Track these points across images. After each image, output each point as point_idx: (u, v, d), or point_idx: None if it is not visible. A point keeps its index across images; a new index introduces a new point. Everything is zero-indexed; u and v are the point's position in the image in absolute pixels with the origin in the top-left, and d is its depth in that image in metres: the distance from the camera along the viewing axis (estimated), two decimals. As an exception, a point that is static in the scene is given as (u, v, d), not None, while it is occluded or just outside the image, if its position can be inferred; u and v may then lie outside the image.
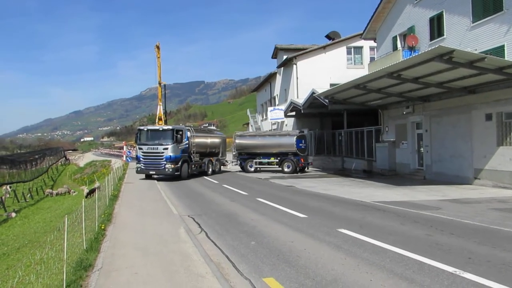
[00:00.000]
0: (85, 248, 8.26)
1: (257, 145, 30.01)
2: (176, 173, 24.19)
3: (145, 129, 25.89)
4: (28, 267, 8.64)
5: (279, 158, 28.90)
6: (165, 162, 23.91)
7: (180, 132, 24.67)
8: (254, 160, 30.09)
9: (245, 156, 30.63)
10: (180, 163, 24.60)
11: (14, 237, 14.01)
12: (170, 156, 23.89)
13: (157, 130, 25.31)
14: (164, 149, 23.95)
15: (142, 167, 24.82)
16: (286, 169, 28.44)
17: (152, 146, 24.34)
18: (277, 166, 29.05)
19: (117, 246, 8.55)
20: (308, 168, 30.05)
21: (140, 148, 24.88)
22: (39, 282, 6.90)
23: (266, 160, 29.70)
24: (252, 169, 30.08)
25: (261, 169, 30.27)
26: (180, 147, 24.59)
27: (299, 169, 28.45)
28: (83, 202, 8.99)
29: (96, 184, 28.27)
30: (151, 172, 24.72)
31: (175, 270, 6.70)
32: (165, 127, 25.45)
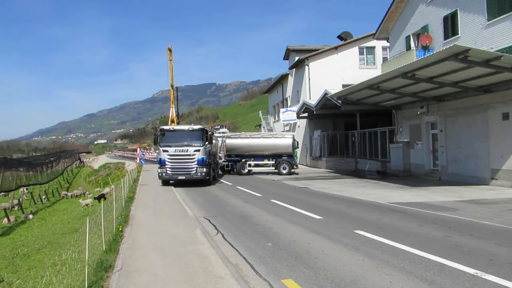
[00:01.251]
0: (104, 249, 8.36)
1: (251, 146, 29.37)
2: (207, 178, 22.40)
3: (171, 129, 23.46)
4: (49, 267, 8.81)
5: (274, 160, 28.74)
6: (196, 166, 21.55)
7: (210, 133, 23.25)
8: (248, 162, 29.30)
9: (235, 157, 29.49)
10: (209, 166, 23.10)
11: (33, 238, 14.24)
12: (203, 158, 21.66)
13: (185, 130, 22.80)
14: (196, 151, 21.62)
15: (168, 172, 22.01)
16: (283, 171, 28.42)
17: (181, 148, 21.79)
18: (273, 168, 28.86)
19: (135, 247, 8.64)
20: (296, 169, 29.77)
21: (165, 151, 22.05)
22: (60, 282, 7.02)
23: (263, 162, 29.35)
24: (246, 170, 29.34)
25: (254, 171, 29.93)
26: (207, 149, 22.79)
27: (292, 171, 28.57)
28: (102, 204, 9.12)
29: (106, 190, 28.62)
30: (180, 178, 21.94)
31: (194, 271, 6.75)
32: (195, 127, 22.81)
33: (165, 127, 23.62)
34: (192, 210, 13.69)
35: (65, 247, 10.75)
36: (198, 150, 21.65)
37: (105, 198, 21.37)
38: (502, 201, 13.58)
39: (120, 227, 10.69)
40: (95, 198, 23.07)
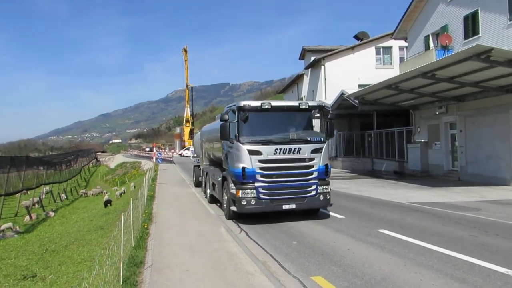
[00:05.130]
0: (133, 245, 8.55)
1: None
2: (330, 203, 11.95)
3: (265, 106, 11.15)
4: (79, 263, 9.05)
5: None
6: (316, 182, 11.23)
7: (330, 117, 11.98)
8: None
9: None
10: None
11: (58, 235, 14.58)
12: (326, 166, 11.40)
13: (291, 110, 11.60)
14: (314, 151, 11.20)
15: (261, 196, 10.89)
16: None
17: (287, 147, 11.01)
18: None
19: (162, 244, 8.82)
20: None
21: (252, 152, 10.87)
22: (94, 277, 7.21)
23: None
24: None
25: None
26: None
27: None
28: (130, 202, 9.31)
29: (122, 189, 28.99)
30: (286, 207, 11.05)
31: (224, 268, 6.89)
32: (310, 103, 11.63)
33: (251, 103, 11.36)
34: (214, 209, 13.85)
35: (92, 243, 11.01)
36: (319, 151, 11.23)
37: (111, 204, 21.55)
38: (525, 202, 13.46)
39: (146, 224, 10.90)
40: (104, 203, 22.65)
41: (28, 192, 30.79)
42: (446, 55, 16.80)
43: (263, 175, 10.79)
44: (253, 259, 7.44)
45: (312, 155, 11.12)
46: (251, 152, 10.73)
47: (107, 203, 21.76)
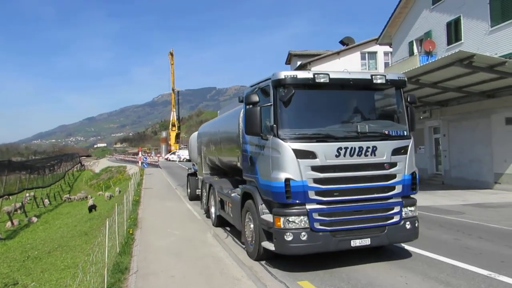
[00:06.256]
0: (118, 252, 8.45)
1: None
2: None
3: (319, 79, 6.93)
4: (62, 270, 8.90)
5: None
6: (400, 201, 7.22)
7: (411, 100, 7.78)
8: None
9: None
10: None
11: (41, 241, 14.33)
12: (413, 176, 7.38)
13: (361, 86, 7.37)
14: (397, 152, 7.18)
15: (319, 226, 6.71)
16: None
17: (357, 146, 6.91)
18: None
19: (148, 250, 8.73)
20: None
21: (303, 154, 6.67)
22: (78, 285, 7.09)
23: None
24: None
25: None
26: None
27: None
28: (116, 207, 9.21)
29: (115, 191, 28.67)
30: (355, 243, 6.85)
31: (210, 274, 6.84)
32: (390, 76, 7.50)
33: (297, 74, 7.03)
34: (200, 214, 13.75)
35: (76, 250, 10.84)
36: (403, 151, 7.28)
37: (95, 209, 21.22)
38: (507, 204, 13.70)
39: (131, 230, 10.78)
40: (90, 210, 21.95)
41: (10, 197, 30.20)
42: (430, 61, 17.05)
43: (319, 192, 6.67)
44: (240, 264, 7.40)
45: (394, 159, 7.06)
46: (300, 154, 6.59)
47: (92, 208, 21.41)
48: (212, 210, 11.81)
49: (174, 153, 65.96)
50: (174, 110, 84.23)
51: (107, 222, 6.74)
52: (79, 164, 76.83)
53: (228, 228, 11.03)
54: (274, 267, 7.31)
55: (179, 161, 55.59)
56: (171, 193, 21.02)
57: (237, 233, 9.74)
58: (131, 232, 10.56)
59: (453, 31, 20.90)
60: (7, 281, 9.04)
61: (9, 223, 21.14)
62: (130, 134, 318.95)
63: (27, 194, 32.60)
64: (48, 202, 32.58)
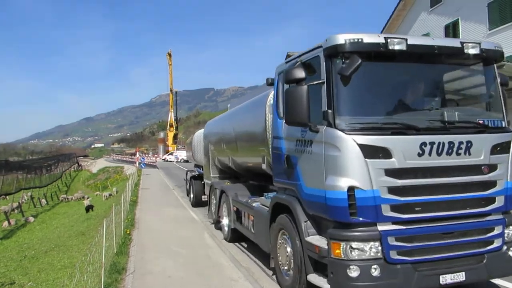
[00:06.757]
0: (115, 252, 8.44)
1: None
2: None
3: (394, 46, 4.65)
4: (59, 270, 8.89)
5: None
6: (502, 218, 5.10)
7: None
8: None
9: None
10: None
11: (38, 241, 14.31)
12: None
13: (450, 57, 5.08)
14: (496, 150, 5.01)
15: (396, 257, 4.58)
16: None
17: (446, 140, 4.76)
18: None
19: (145, 250, 8.72)
20: None
21: (372, 152, 4.56)
22: (75, 285, 7.08)
23: None
24: None
25: None
26: None
27: None
28: (113, 207, 9.20)
29: (113, 190, 28.63)
30: (446, 279, 4.67)
31: (207, 274, 6.85)
32: (486, 45, 5.20)
33: (363, 38, 4.63)
34: (197, 215, 13.74)
35: (73, 249, 10.83)
36: (504, 149, 5.08)
37: (92, 209, 21.22)
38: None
39: (128, 230, 10.77)
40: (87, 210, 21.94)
41: (7, 197, 30.17)
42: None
43: (396, 207, 4.66)
44: (237, 265, 7.41)
45: (493, 159, 5.03)
46: (370, 152, 4.60)
47: (89, 208, 21.41)
48: (225, 221, 9.72)
49: (171, 153, 65.95)
50: (172, 110, 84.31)
51: (104, 223, 6.74)
52: (77, 164, 76.82)
53: (244, 245, 9.13)
54: (271, 268, 7.32)
55: (176, 161, 55.55)
56: (169, 193, 21.00)
57: (259, 251, 7.51)
58: (128, 232, 10.54)
59: (451, 34, 20.99)
60: (4, 281, 9.03)
61: (6, 223, 21.16)
62: (128, 134, 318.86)
63: (24, 194, 32.54)
64: (45, 202, 32.56)
